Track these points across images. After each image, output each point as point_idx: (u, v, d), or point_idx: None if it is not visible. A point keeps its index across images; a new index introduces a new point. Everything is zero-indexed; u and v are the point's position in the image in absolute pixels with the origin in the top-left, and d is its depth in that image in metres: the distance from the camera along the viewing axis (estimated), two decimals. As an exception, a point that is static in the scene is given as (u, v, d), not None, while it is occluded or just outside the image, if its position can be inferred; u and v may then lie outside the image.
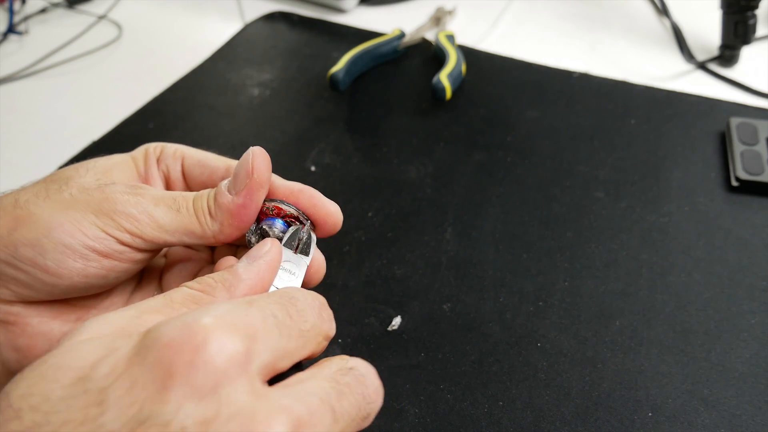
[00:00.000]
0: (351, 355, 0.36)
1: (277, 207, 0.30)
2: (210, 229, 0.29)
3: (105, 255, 0.28)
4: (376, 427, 0.34)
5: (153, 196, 0.29)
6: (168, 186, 0.33)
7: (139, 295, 0.33)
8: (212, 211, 0.29)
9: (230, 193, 0.29)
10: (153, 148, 0.33)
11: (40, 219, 0.27)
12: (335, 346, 0.37)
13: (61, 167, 0.50)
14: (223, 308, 0.20)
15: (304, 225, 0.31)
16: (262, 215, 0.31)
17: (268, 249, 0.27)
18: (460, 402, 0.35)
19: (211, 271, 0.32)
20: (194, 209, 0.29)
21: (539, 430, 0.33)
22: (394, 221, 0.45)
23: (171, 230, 0.29)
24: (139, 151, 0.33)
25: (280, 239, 0.30)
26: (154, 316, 0.22)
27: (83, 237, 0.27)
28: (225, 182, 0.29)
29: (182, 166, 0.33)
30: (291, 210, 0.31)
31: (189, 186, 0.33)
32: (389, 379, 0.36)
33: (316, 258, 0.31)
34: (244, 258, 0.26)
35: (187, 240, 0.29)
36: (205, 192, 0.30)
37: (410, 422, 0.34)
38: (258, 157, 0.29)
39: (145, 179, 0.33)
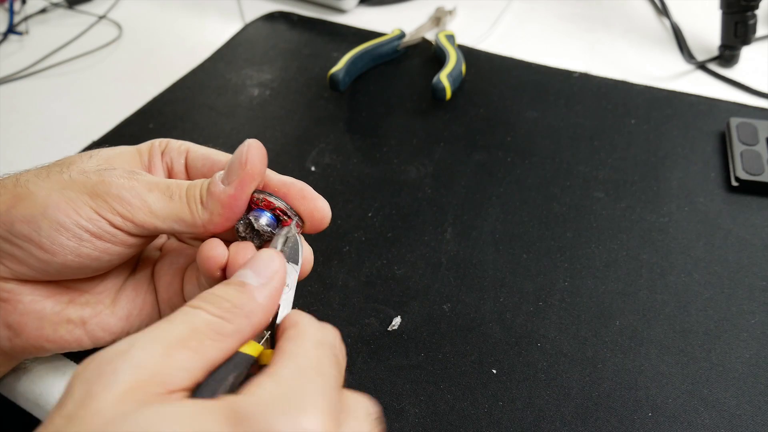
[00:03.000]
0: (351, 355, 0.37)
1: (267, 199, 0.30)
2: (200, 217, 0.29)
3: (98, 236, 0.28)
4: (376, 427, 0.34)
5: (147, 182, 0.29)
6: (170, 178, 0.34)
7: (132, 283, 0.33)
8: (204, 200, 0.29)
9: (223, 184, 0.29)
10: (158, 142, 0.34)
11: (37, 197, 0.28)
12: (335, 346, 0.37)
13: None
14: (314, 407, 0.21)
15: (291, 220, 0.31)
16: (253, 205, 0.31)
17: (278, 268, 0.26)
18: (460, 402, 0.35)
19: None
20: (186, 197, 0.29)
21: (539, 430, 0.33)
22: (394, 221, 0.45)
23: (162, 216, 0.29)
24: (145, 145, 0.34)
25: (266, 233, 0.30)
26: (184, 352, 0.22)
27: (77, 216, 0.28)
28: (220, 173, 0.30)
29: (186, 159, 0.34)
30: (280, 204, 0.31)
31: (191, 178, 0.34)
32: (389, 379, 0.36)
33: (305, 251, 0.31)
34: (249, 271, 0.26)
35: (177, 227, 0.29)
36: (199, 181, 0.30)
37: (410, 422, 0.34)
38: (253, 149, 0.29)
39: (149, 171, 0.33)
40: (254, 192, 0.30)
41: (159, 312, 0.34)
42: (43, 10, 0.71)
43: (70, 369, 0.35)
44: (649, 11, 0.70)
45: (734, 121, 0.51)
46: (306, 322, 0.25)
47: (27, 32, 0.68)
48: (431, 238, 0.44)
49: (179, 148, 0.34)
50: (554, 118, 0.54)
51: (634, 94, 0.57)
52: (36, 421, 0.36)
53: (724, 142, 0.51)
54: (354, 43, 0.60)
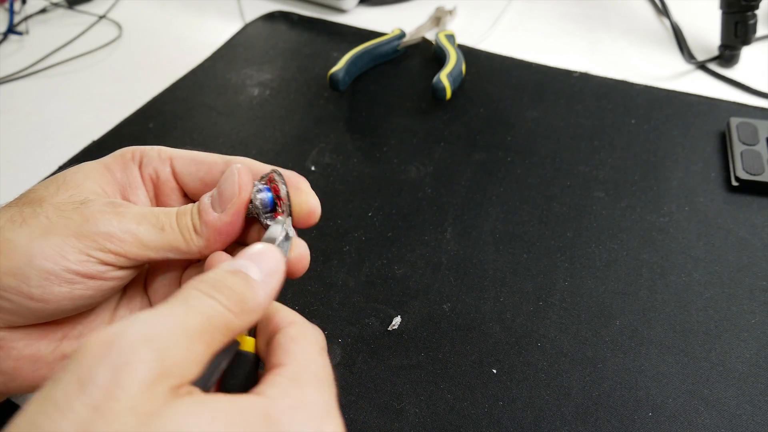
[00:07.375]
0: (351, 355, 0.37)
1: (276, 185, 0.30)
2: (196, 245, 0.29)
3: (89, 276, 0.27)
4: (376, 427, 0.34)
5: (135, 215, 0.28)
6: (157, 189, 0.32)
7: (125, 303, 0.32)
8: (197, 228, 0.29)
9: (215, 210, 0.28)
10: (130, 153, 0.32)
11: (19, 247, 0.27)
12: (335, 346, 0.37)
13: (61, 167, 0.50)
14: (333, 417, 0.23)
15: (283, 213, 0.30)
16: (266, 181, 0.30)
17: (279, 267, 0.26)
18: (460, 402, 0.35)
19: (198, 271, 0.31)
20: (179, 227, 0.29)
21: (539, 430, 0.33)
22: (394, 221, 0.45)
23: (155, 248, 0.28)
24: (113, 158, 0.32)
25: (256, 209, 0.29)
26: (201, 346, 0.22)
27: (65, 262, 0.27)
28: (207, 197, 0.29)
29: (172, 167, 0.32)
30: (284, 194, 0.30)
31: (183, 185, 0.32)
32: (389, 379, 0.36)
33: (300, 247, 0.30)
34: (251, 263, 0.25)
35: (172, 256, 0.29)
36: (187, 208, 0.29)
37: (410, 422, 0.34)
38: (244, 175, 0.29)
39: (125, 187, 0.32)
40: (275, 173, 0.30)
41: None
42: (43, 10, 0.71)
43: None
44: (649, 11, 0.70)
45: (734, 121, 0.51)
46: (302, 321, 0.26)
47: (27, 32, 0.68)
48: (431, 238, 0.44)
49: (159, 155, 0.32)
50: (554, 118, 0.54)
51: (634, 94, 0.57)
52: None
53: (724, 142, 0.51)
54: (354, 43, 0.60)
